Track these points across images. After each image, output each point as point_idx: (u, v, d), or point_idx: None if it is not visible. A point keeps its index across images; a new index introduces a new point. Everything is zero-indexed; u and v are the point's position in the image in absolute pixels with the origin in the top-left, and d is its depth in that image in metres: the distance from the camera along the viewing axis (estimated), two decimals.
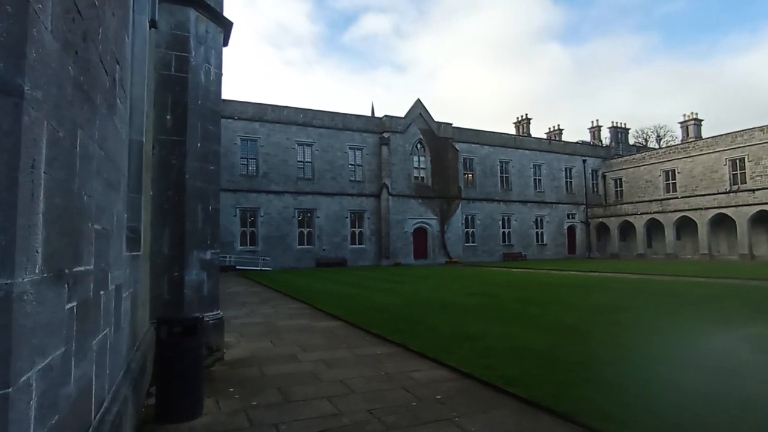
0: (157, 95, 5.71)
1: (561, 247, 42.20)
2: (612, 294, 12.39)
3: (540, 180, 41.83)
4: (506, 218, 39.80)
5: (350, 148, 34.38)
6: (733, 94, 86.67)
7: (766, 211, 30.12)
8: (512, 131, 46.24)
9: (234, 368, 5.48)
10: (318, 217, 32.77)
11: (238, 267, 28.56)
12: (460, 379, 4.94)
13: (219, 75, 6.53)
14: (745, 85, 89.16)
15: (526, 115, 46.58)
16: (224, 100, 31.25)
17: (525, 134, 45.31)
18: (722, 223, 33.13)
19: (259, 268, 28.88)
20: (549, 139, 45.12)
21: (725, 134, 36.10)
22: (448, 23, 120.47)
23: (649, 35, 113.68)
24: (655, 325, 7.53)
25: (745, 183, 33.65)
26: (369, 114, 35.74)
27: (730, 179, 34.88)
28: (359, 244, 34.17)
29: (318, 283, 17.63)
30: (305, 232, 32.55)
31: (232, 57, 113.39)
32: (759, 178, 33.01)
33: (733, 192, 33.10)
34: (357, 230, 34.24)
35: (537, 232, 41.24)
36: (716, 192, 34.49)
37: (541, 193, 41.71)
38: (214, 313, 6.21)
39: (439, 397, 4.37)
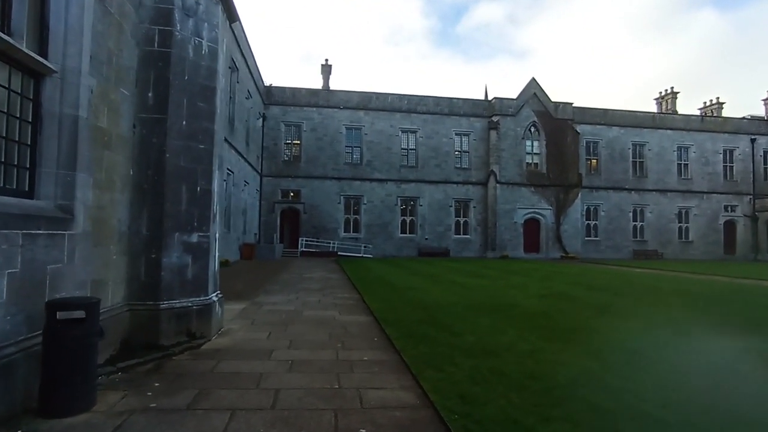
0: (139, 72, 5.55)
1: (714, 246, 35.07)
2: (735, 307, 9.45)
3: (686, 165, 35.18)
4: (638, 210, 34.38)
5: (456, 134, 32.88)
6: None
7: None
8: (653, 111, 39.53)
9: (196, 359, 5.12)
10: (421, 206, 32.11)
11: (339, 253, 29.41)
12: (419, 409, 3.85)
13: (214, 50, 6.19)
14: None
15: (672, 89, 39.38)
16: (330, 91, 32.36)
17: (670, 111, 38.44)
18: None
19: (360, 255, 29.35)
20: (702, 115, 37.61)
21: None
22: (568, 3, 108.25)
23: None
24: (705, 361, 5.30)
25: None
26: (484, 99, 33.65)
27: None
28: (464, 234, 32.66)
29: (396, 273, 17.01)
30: (407, 221, 32.17)
31: (356, 60, 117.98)
32: None
33: None
34: (462, 220, 32.76)
35: (680, 227, 34.87)
36: None
37: (688, 181, 35.07)
38: (201, 298, 5.96)
39: (365, 430, 3.39)
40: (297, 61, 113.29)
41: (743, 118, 38.08)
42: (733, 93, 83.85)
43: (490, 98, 33.31)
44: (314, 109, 31.52)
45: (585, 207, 33.51)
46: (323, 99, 31.74)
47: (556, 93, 66.51)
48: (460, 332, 6.57)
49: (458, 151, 32.93)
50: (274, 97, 31.25)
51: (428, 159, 32.42)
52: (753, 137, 35.84)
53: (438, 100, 32.90)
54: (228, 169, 20.41)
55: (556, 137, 32.82)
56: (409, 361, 5.10)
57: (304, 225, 30.75)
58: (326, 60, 33.75)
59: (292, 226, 31.21)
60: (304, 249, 29.32)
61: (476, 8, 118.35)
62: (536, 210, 32.65)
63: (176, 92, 5.72)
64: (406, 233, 32.00)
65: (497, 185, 32.01)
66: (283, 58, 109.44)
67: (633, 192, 34.32)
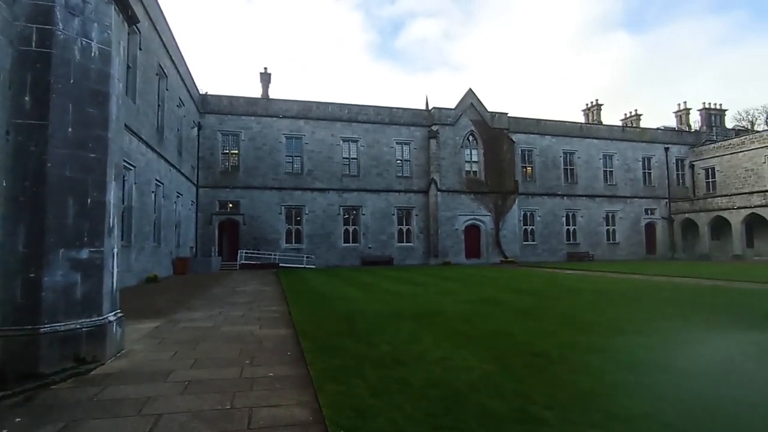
0: (13, 74, 5.07)
1: (637, 247, 37.63)
2: (651, 306, 10.09)
3: (611, 172, 37.62)
4: (571, 214, 36.28)
5: (397, 143, 33.26)
6: None
7: None
8: (580, 120, 42.02)
9: (78, 387, 4.68)
10: (364, 215, 32.09)
11: (281, 264, 28.74)
12: (310, 426, 3.69)
13: (106, 52, 5.79)
14: None
15: (597, 101, 42.14)
16: (269, 100, 31.75)
17: (595, 122, 41.04)
18: None
19: (302, 266, 28.82)
20: (623, 126, 40.43)
21: None
22: (498, 21, 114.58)
23: (733, 13, 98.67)
24: (633, 363, 5.61)
25: None
26: (424, 108, 34.27)
27: None
28: (407, 242, 32.96)
29: (331, 283, 16.80)
30: (350, 230, 32.03)
31: (297, 72, 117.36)
32: None
33: None
34: (404, 227, 33.07)
35: (607, 230, 37.14)
36: None
37: (613, 186, 37.48)
38: (93, 319, 5.49)
39: None
40: (237, 72, 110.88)
41: (658, 128, 41.40)
42: (648, 105, 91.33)
43: (430, 108, 34.01)
44: (253, 118, 30.79)
45: (522, 212, 34.90)
46: (262, 108, 31.09)
47: (492, 103, 69.31)
48: (377, 342, 6.50)
49: (399, 160, 33.30)
50: (210, 105, 30.22)
51: (370, 168, 32.53)
52: (666, 146, 38.99)
53: (379, 110, 33.17)
54: (157, 180, 19.42)
55: (493, 146, 34.01)
56: (315, 375, 4.95)
57: (243, 237, 29.80)
58: (265, 68, 33.11)
59: (232, 238, 30.15)
60: (244, 261, 28.40)
61: (413, 24, 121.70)
62: (476, 216, 33.57)
63: (60, 97, 5.28)
64: (349, 242, 31.83)
65: (438, 193, 32.64)
66: (222, 69, 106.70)
67: (565, 197, 36.18)
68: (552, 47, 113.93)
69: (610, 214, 37.26)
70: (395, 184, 32.90)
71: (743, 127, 50.42)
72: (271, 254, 29.43)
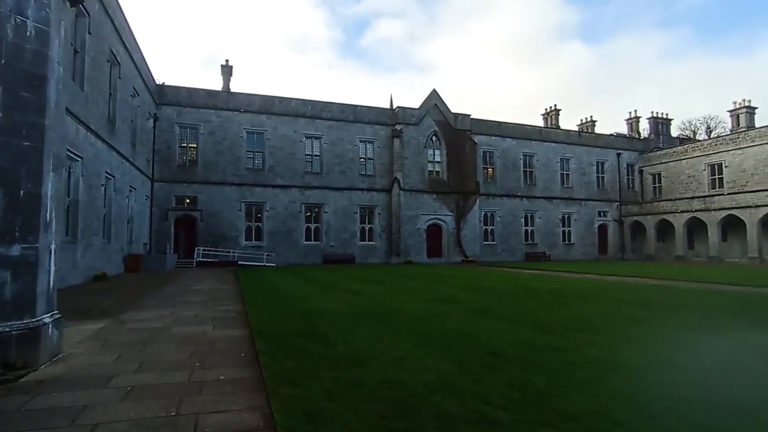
0: None
1: (590, 247, 39.20)
2: (603, 305, 10.46)
3: (568, 175, 38.97)
4: (529, 215, 37.32)
5: (361, 141, 33.12)
6: None
7: None
8: (539, 124, 43.29)
9: (7, 394, 4.30)
10: (326, 212, 31.78)
11: (240, 262, 28.02)
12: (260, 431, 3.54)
13: (44, 32, 5.36)
14: None
15: (555, 106, 43.57)
16: (230, 93, 30.86)
17: (554, 126, 42.38)
18: None
19: (262, 264, 28.22)
20: (579, 131, 41.97)
21: None
22: (462, 25, 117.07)
23: (679, 30, 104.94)
24: (596, 362, 5.78)
25: None
26: (388, 107, 34.25)
27: None
28: (369, 240, 32.90)
29: (292, 282, 16.50)
30: (312, 228, 31.65)
31: (260, 67, 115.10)
32: None
33: None
34: (367, 226, 32.99)
35: (563, 231, 38.47)
36: None
37: (569, 189, 38.85)
38: (25, 321, 5.07)
39: None
40: (199, 66, 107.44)
41: (611, 134, 43.27)
42: (602, 112, 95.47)
43: (394, 107, 34.05)
44: (213, 111, 29.84)
45: (483, 213, 35.57)
46: (223, 101, 30.17)
47: (455, 105, 70.50)
48: (335, 342, 6.37)
49: (363, 158, 33.19)
50: (167, 96, 29.02)
51: (333, 165, 32.24)
52: (618, 152, 40.81)
53: (343, 107, 32.91)
54: (107, 172, 18.43)
55: (455, 147, 34.47)
56: (268, 377, 4.77)
57: (201, 233, 28.84)
58: (227, 61, 32.18)
59: (189, 234, 29.11)
60: (201, 259, 27.48)
61: (378, 23, 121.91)
62: (438, 216, 33.94)
63: None
64: (311, 240, 31.44)
65: (401, 192, 32.76)
66: (181, 61, 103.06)
67: (524, 199, 37.17)
68: (513, 53, 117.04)
69: (566, 216, 38.61)
70: (358, 182, 32.76)
71: (686, 136, 53.45)
72: (230, 252, 28.64)
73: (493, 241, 36.08)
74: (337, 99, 39.49)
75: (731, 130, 39.98)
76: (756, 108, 38.74)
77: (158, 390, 4.50)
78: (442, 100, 34.63)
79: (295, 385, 4.47)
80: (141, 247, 25.02)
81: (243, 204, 29.91)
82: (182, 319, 8.69)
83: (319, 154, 32.06)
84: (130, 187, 22.47)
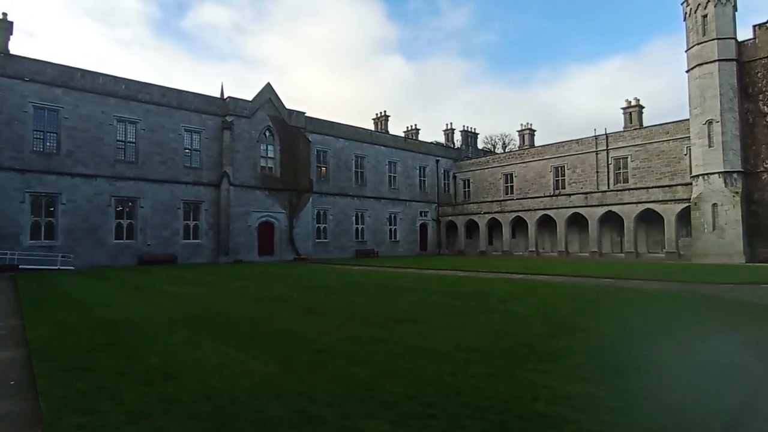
0: None
1: (413, 244, 43.05)
2: (422, 297, 11.52)
3: (395, 177, 42.09)
4: (360, 214, 39.14)
5: (186, 131, 30.22)
6: (545, 118, 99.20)
7: (578, 213, 33.95)
8: (371, 128, 45.79)
9: None
10: (142, 207, 28.10)
11: (22, 267, 22.80)
12: None
13: None
14: (552, 111, 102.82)
15: (385, 112, 46.68)
16: (10, 56, 24.85)
17: (383, 131, 45.30)
18: (547, 223, 36.61)
19: (56, 267, 23.47)
20: (405, 137, 45.74)
21: (551, 144, 40.32)
22: (292, 26, 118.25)
23: (476, 60, 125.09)
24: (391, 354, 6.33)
25: (564, 188, 37.77)
26: (218, 97, 31.77)
27: (553, 184, 38.89)
28: (194, 238, 30.24)
29: (94, 288, 14.11)
30: (125, 224, 27.65)
31: (56, 36, 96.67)
32: (574, 184, 37.28)
33: (555, 196, 36.84)
34: (192, 223, 30.27)
35: (390, 229, 41.43)
36: (543, 195, 38.10)
37: (396, 190, 42.00)
38: None
39: None
40: None
41: (432, 142, 48.37)
42: (424, 121, 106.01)
43: (225, 97, 31.93)
44: None
45: (316, 211, 35.95)
46: None
47: (288, 102, 69.71)
48: (144, 354, 5.60)
49: (188, 149, 30.35)
50: None
51: (151, 155, 28.69)
52: (437, 159, 45.84)
53: (165, 91, 29.55)
54: None
55: (289, 143, 34.07)
56: (48, 407, 3.89)
57: None
58: (4, 14, 25.61)
59: None
60: None
61: (201, 7, 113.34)
62: (270, 213, 33.08)
63: None
64: (122, 239, 27.44)
65: (231, 187, 30.95)
66: None
67: (355, 198, 38.82)
68: (343, 58, 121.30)
69: (393, 215, 41.65)
70: (182, 175, 29.82)
71: (489, 149, 62.99)
72: (6, 254, 23.06)
73: (325, 238, 36.77)
74: (156, 81, 35.31)
75: (519, 147, 48.47)
76: (535, 131, 47.76)
77: None
78: (276, 95, 33.85)
79: (86, 412, 3.75)
80: None
81: (28, 194, 24.41)
82: None
83: (134, 140, 28.13)
84: None
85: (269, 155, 33.40)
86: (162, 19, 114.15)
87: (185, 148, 30.19)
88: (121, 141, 27.82)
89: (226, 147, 31.09)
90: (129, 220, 27.84)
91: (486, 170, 44.83)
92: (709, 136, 26.49)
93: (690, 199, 27.59)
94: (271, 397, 4.05)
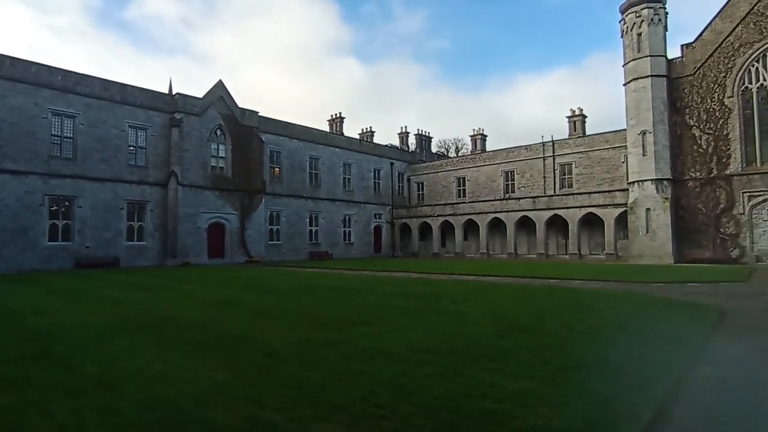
0: None
1: (368, 246, 43.10)
2: (376, 298, 11.55)
3: (349, 179, 42.01)
4: (314, 216, 38.74)
5: (131, 127, 28.73)
6: (496, 124, 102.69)
7: (527, 216, 35.31)
8: (326, 129, 45.50)
9: None
10: (80, 207, 26.41)
11: None
12: None
13: None
14: (502, 117, 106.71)
15: (340, 113, 46.53)
16: None
17: (338, 132, 45.12)
18: (497, 226, 37.79)
19: None
20: (360, 139, 45.78)
21: (501, 149, 41.71)
22: (243, 23, 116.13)
23: (430, 65, 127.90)
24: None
25: (514, 192, 39.18)
26: (166, 93, 30.38)
27: (503, 188, 40.24)
28: (138, 240, 28.78)
29: (24, 294, 13.11)
30: (60, 225, 25.87)
31: None
32: (523, 188, 38.77)
33: (505, 199, 38.13)
34: (136, 224, 28.80)
35: (345, 231, 41.28)
36: (494, 199, 39.32)
37: (350, 192, 41.93)
38: None
39: None
40: None
41: (386, 145, 48.69)
42: (379, 123, 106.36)
43: (173, 93, 30.64)
44: None
45: (268, 212, 35.23)
46: None
47: (240, 101, 67.93)
48: (80, 363, 5.27)
49: (133, 147, 28.87)
50: None
51: (92, 152, 27.04)
52: (392, 161, 46.21)
53: (107, 84, 27.97)
54: None
55: (242, 143, 33.21)
56: None
57: None
58: None
59: None
60: None
61: None
62: (221, 214, 32.09)
63: None
64: (57, 241, 25.66)
65: (179, 187, 29.74)
66: None
67: (309, 200, 38.39)
68: (296, 58, 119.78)
69: (347, 217, 41.53)
70: (126, 173, 28.32)
71: (442, 152, 64.22)
72: None
73: (278, 240, 36.09)
74: (97, 73, 33.19)
75: (471, 152, 49.72)
76: (487, 136, 49.16)
77: None
78: (228, 93, 32.91)
79: (10, 431, 3.48)
80: None
81: None
82: None
83: (72, 136, 26.40)
84: None
85: (220, 155, 32.40)
86: (102, 9, 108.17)
87: (130, 146, 28.69)
88: (57, 136, 26.03)
89: (174, 145, 29.83)
90: (65, 221, 26.08)
91: (440, 173, 45.66)
92: (643, 145, 28.37)
93: (627, 203, 29.39)
94: (218, 405, 3.93)
